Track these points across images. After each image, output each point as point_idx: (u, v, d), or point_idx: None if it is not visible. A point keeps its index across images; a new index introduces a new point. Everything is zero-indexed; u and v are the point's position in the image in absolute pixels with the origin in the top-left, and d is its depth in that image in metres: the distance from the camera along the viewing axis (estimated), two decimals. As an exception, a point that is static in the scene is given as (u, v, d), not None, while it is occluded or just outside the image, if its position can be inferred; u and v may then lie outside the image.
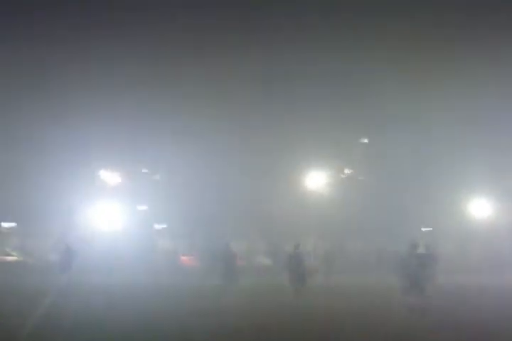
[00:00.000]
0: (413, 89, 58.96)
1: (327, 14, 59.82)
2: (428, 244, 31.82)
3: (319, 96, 61.24)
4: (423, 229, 65.65)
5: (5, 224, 70.22)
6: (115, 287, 36.50)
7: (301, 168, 62.09)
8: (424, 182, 61.35)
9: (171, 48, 60.04)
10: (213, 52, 59.59)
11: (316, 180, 62.51)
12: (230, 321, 20.11)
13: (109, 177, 63.63)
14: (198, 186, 61.95)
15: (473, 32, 57.22)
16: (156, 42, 60.40)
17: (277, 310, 23.70)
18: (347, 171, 65.59)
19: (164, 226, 68.47)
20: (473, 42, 56.91)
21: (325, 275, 42.30)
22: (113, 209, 60.35)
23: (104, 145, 59.13)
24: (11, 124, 57.94)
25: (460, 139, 59.36)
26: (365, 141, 64.31)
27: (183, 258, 65.68)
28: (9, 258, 60.54)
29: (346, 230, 62.42)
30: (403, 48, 57.73)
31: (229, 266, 30.61)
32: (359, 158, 62.35)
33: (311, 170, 62.38)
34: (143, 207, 65.76)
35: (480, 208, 60.03)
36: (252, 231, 64.53)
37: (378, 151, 61.95)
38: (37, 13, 59.65)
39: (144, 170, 66.44)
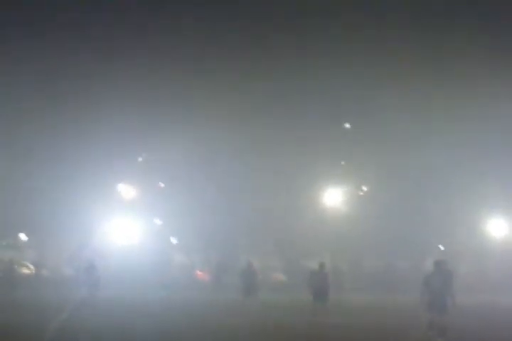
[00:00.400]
0: (432, 100, 58.79)
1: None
2: (447, 262, 31.72)
3: (336, 112, 61.17)
4: (441, 247, 65.35)
5: (22, 237, 70.48)
6: (132, 301, 36.38)
7: (318, 184, 61.98)
8: (442, 200, 61.05)
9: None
10: (230, 55, 59.49)
11: (333, 196, 62.41)
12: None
13: (126, 191, 63.72)
14: (215, 201, 61.87)
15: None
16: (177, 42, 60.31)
17: (301, 327, 23.66)
18: (364, 188, 65.36)
19: (179, 240, 68.45)
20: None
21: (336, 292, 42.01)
22: (129, 223, 60.40)
23: (121, 158, 59.24)
24: (28, 136, 58.09)
25: (479, 158, 59.03)
26: (383, 157, 64.00)
27: (199, 273, 65.75)
28: (25, 270, 60.67)
29: (363, 247, 62.12)
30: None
31: (249, 282, 30.99)
32: (377, 174, 62.08)
33: (328, 185, 62.29)
34: (159, 221, 65.80)
35: (498, 226, 59.66)
36: (267, 247, 64.34)
37: (396, 168, 61.68)
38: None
39: (161, 184, 66.44)
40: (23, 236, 70.86)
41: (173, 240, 68.09)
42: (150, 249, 62.12)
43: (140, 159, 63.54)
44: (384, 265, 64.81)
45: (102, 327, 22.79)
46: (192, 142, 60.11)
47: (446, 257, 60.85)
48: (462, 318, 26.06)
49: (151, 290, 46.30)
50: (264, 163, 61.98)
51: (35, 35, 58.26)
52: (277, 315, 29.04)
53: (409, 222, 61.42)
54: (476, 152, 59.13)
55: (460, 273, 63.40)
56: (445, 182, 61.04)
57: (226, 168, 62.22)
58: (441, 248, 65.36)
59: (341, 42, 59.43)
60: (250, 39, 60.61)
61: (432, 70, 58.45)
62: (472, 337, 21.08)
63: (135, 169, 61.47)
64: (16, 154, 57.37)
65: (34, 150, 57.47)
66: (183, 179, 61.99)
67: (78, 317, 25.36)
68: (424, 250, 63.29)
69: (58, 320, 23.36)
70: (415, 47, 59.47)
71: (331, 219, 61.32)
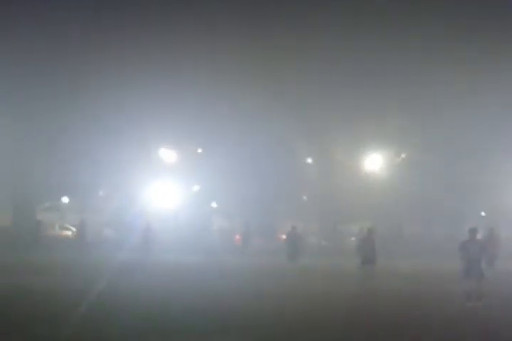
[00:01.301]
0: (467, 71, 58.29)
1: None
2: (490, 229, 31.73)
3: (381, 79, 60.83)
4: (482, 214, 65.20)
5: (64, 199, 71.38)
6: (176, 265, 36.82)
7: (359, 149, 61.96)
8: (482, 166, 60.77)
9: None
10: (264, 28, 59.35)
11: (373, 162, 62.41)
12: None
13: (168, 155, 64.12)
14: (255, 166, 62.08)
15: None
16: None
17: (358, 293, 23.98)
18: (404, 154, 65.16)
19: (219, 204, 68.91)
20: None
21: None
22: (171, 187, 60.90)
23: (162, 123, 59.48)
24: (72, 100, 58.48)
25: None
26: (423, 123, 63.68)
27: (237, 237, 66.19)
28: (66, 232, 61.57)
29: (402, 213, 62.17)
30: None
31: (294, 246, 31.67)
32: (418, 140, 61.84)
33: (369, 151, 62.27)
34: (199, 186, 66.21)
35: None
36: (307, 212, 64.58)
37: (437, 134, 61.42)
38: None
39: (199, 150, 66.74)
40: (65, 199, 71.82)
41: (213, 204, 68.56)
42: (190, 213, 62.65)
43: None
44: (423, 231, 64.87)
45: (148, 290, 23.18)
46: (234, 109, 60.25)
47: (487, 224, 61.08)
48: (501, 285, 26.49)
49: (193, 254, 46.74)
50: (304, 129, 61.98)
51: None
52: (327, 280, 29.36)
53: (449, 189, 61.26)
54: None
55: (501, 239, 63.38)
56: (487, 149, 60.74)
57: (266, 134, 62.32)
58: (483, 214, 65.25)
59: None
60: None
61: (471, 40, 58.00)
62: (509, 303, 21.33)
63: (176, 134, 61.71)
64: (60, 117, 57.76)
65: (78, 114, 57.85)
66: (225, 144, 62.23)
67: (123, 281, 25.75)
68: (463, 217, 63.17)
69: (102, 283, 23.70)
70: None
71: (370, 185, 61.36)
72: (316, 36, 59.67)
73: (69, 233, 60.94)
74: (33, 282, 24.64)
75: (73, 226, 61.71)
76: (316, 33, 59.40)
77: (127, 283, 24.80)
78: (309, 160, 65.77)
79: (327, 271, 35.12)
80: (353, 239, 63.58)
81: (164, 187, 61.56)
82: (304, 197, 67.82)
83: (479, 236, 21.76)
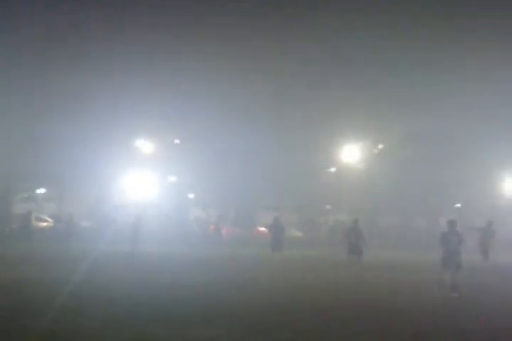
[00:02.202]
0: (451, 66, 58.69)
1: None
2: (488, 222, 31.97)
3: (358, 70, 61.08)
4: (458, 205, 65.70)
5: (40, 191, 71.04)
6: (154, 256, 36.87)
7: (336, 141, 62.17)
8: (457, 158, 61.24)
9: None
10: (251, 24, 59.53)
11: (350, 154, 62.64)
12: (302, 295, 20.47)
13: (145, 146, 64.01)
14: (232, 157, 62.17)
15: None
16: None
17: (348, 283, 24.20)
18: (381, 146, 65.49)
19: (196, 195, 68.93)
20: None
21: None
22: (147, 178, 60.84)
23: (138, 114, 59.40)
24: (49, 90, 58.19)
25: (495, 116, 59.07)
26: (399, 116, 64.01)
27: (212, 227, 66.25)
28: (43, 224, 61.25)
29: (379, 204, 62.54)
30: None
31: (276, 237, 31.90)
32: (394, 133, 62.19)
33: (346, 143, 62.50)
34: (176, 177, 66.20)
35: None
36: (284, 203, 64.80)
37: (413, 127, 61.78)
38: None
39: (176, 141, 66.68)
40: (41, 190, 71.52)
41: (190, 195, 68.58)
42: (168, 204, 62.66)
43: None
44: (399, 223, 65.32)
45: (123, 278, 23.23)
46: (211, 99, 60.26)
47: (462, 215, 61.47)
48: (478, 275, 26.90)
49: (170, 244, 46.80)
50: (282, 120, 62.12)
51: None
52: (314, 271, 29.54)
53: (426, 180, 61.70)
54: (493, 113, 59.19)
55: (475, 231, 63.95)
56: (461, 141, 61.22)
57: (244, 125, 62.38)
58: (458, 205, 65.74)
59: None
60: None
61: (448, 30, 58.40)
62: (485, 292, 21.64)
63: (153, 125, 61.64)
64: (37, 108, 57.51)
65: (55, 103, 57.61)
66: (201, 136, 62.25)
67: (98, 269, 25.81)
68: (439, 209, 63.71)
69: (78, 272, 23.74)
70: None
71: (347, 176, 61.65)
72: (291, 32, 59.93)
73: (44, 224, 60.63)
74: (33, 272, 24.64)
75: (49, 217, 61.51)
76: (292, 29, 59.66)
77: (110, 274, 24.83)
78: (286, 152, 65.90)
79: (313, 262, 35.20)
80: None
81: (141, 178, 61.46)
82: (282, 189, 68.01)
83: (459, 227, 21.87)
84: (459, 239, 20.91)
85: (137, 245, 36.36)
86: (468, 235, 34.80)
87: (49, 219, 60.56)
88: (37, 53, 57.49)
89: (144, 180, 61.57)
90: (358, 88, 59.96)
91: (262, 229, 65.72)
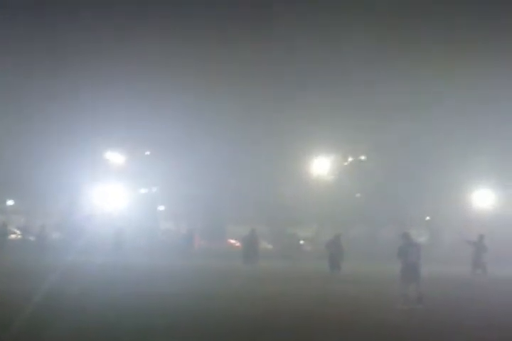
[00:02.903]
0: (420, 78, 59.05)
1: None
2: (480, 236, 32.11)
3: (328, 81, 61.32)
4: (427, 218, 66.01)
5: (9, 202, 70.46)
6: (121, 267, 36.67)
7: (306, 154, 62.31)
8: (427, 170, 61.59)
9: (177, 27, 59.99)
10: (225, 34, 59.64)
11: (320, 167, 62.80)
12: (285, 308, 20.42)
13: (114, 158, 63.77)
14: (202, 170, 62.10)
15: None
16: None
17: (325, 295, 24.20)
18: (351, 158, 65.73)
19: (166, 207, 68.70)
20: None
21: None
22: (117, 189, 60.60)
23: (109, 126, 59.23)
24: (17, 103, 57.92)
25: (464, 128, 59.51)
26: (370, 129, 64.30)
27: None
28: (12, 236, 60.67)
29: (349, 216, 62.63)
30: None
31: (251, 249, 31.88)
32: (364, 145, 62.48)
33: (316, 156, 62.65)
34: (146, 189, 65.96)
35: (483, 198, 60.30)
36: (254, 215, 64.70)
37: (383, 139, 62.06)
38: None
39: (147, 152, 66.47)
40: (10, 202, 70.96)
41: (161, 207, 68.36)
42: (138, 216, 62.38)
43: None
44: (369, 234, 65.50)
45: (92, 291, 23.10)
46: (182, 111, 60.26)
47: (430, 227, 61.61)
48: (441, 286, 27.04)
49: (139, 255, 46.57)
50: (252, 133, 62.20)
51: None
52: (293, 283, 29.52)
53: (395, 192, 61.97)
54: (463, 125, 59.62)
55: (444, 244, 64.35)
56: (431, 153, 61.56)
57: (214, 137, 62.38)
58: (427, 218, 66.04)
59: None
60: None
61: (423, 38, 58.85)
62: (448, 304, 21.74)
63: (123, 136, 61.48)
64: (6, 120, 57.18)
65: (23, 115, 57.33)
66: (171, 147, 62.17)
67: (67, 282, 25.64)
68: (409, 220, 63.91)
69: (46, 285, 23.57)
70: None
71: (318, 188, 61.76)
72: (258, 44, 60.05)
73: (13, 236, 60.08)
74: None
75: (17, 229, 61.02)
76: (258, 41, 59.77)
77: (79, 285, 24.65)
78: (256, 164, 65.89)
79: (286, 274, 35.07)
80: (301, 242, 64.01)
81: (112, 189, 61.18)
82: (253, 201, 67.95)
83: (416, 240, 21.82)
84: (417, 250, 20.87)
85: (119, 256, 36.37)
86: (462, 248, 35.07)
87: (17, 231, 60.06)
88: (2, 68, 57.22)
89: (114, 191, 61.29)
90: (328, 102, 60.17)
91: (232, 241, 65.69)
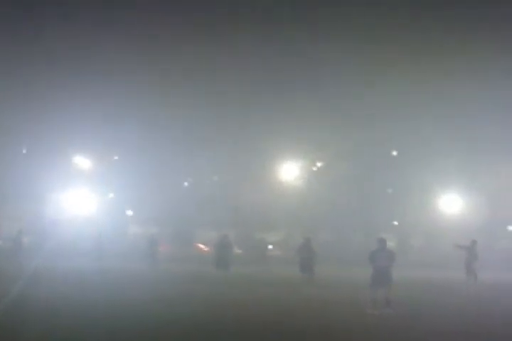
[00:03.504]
0: (387, 85, 59.36)
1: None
2: (472, 241, 32.17)
3: (296, 87, 61.46)
4: (395, 223, 66.31)
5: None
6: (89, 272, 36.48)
7: (274, 159, 62.45)
8: (395, 176, 61.95)
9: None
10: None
11: (288, 172, 62.96)
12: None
13: (82, 162, 63.45)
14: (170, 174, 62.03)
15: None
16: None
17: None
18: (319, 164, 65.96)
19: (134, 212, 68.42)
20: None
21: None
22: (86, 194, 60.30)
23: (77, 131, 58.92)
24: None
25: (432, 134, 59.87)
26: (338, 133, 64.53)
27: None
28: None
29: (317, 221, 62.81)
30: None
31: (223, 254, 31.84)
32: (332, 151, 62.71)
33: (283, 161, 62.81)
34: (114, 194, 65.69)
35: (450, 203, 60.75)
36: (223, 220, 64.64)
37: (351, 145, 62.32)
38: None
39: (115, 157, 66.22)
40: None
41: (129, 212, 68.08)
42: (105, 220, 62.06)
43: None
44: (338, 239, 65.71)
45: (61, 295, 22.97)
46: (150, 116, 60.15)
47: (398, 233, 61.94)
48: (410, 291, 27.14)
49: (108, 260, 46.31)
50: (221, 137, 62.19)
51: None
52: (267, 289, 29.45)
53: (363, 197, 62.26)
54: (430, 128, 59.98)
55: (413, 248, 64.75)
56: (399, 158, 61.95)
57: (182, 142, 62.31)
58: (395, 223, 66.37)
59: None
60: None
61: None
62: (417, 308, 21.87)
63: (92, 141, 61.17)
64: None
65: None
66: (140, 152, 62.00)
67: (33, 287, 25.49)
68: (377, 225, 64.23)
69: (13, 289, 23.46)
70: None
71: (286, 193, 61.89)
72: (223, 51, 60.06)
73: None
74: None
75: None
76: (221, 48, 59.76)
77: (48, 290, 24.51)
78: (224, 169, 65.93)
79: (263, 279, 34.96)
80: (270, 247, 64.13)
81: (80, 194, 60.85)
82: (222, 206, 67.90)
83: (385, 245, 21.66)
84: (389, 256, 20.92)
85: (100, 261, 36.26)
86: (455, 253, 35.22)
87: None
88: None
89: (82, 196, 60.97)
90: (296, 107, 60.31)
91: (201, 245, 65.56)
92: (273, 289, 28.17)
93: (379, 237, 21.90)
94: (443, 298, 25.87)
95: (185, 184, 64.80)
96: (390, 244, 68.10)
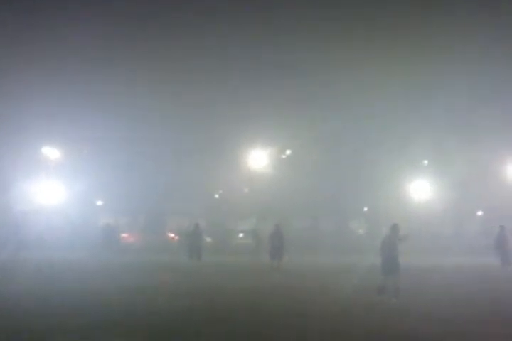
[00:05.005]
0: (363, 71, 59.51)
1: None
2: (501, 227, 32.06)
3: (266, 74, 61.50)
4: (365, 209, 66.63)
5: None
6: (58, 263, 36.29)
7: (245, 147, 62.40)
8: (366, 162, 62.19)
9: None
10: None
11: (259, 160, 62.94)
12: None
13: (51, 153, 62.91)
14: (141, 163, 61.80)
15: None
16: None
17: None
18: (288, 152, 66.02)
19: (105, 202, 68.13)
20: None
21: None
22: (54, 184, 59.85)
23: (46, 121, 58.48)
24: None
25: (404, 120, 60.21)
26: (307, 120, 64.60)
27: (124, 235, 65.65)
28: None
29: (288, 209, 62.94)
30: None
31: (195, 244, 31.96)
32: (302, 138, 62.77)
33: (254, 149, 62.78)
34: (83, 184, 65.28)
35: (420, 190, 61.07)
36: (193, 210, 64.66)
37: (321, 131, 62.42)
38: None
39: (85, 148, 65.79)
40: None
41: (99, 202, 67.76)
42: (74, 211, 61.78)
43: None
44: (310, 226, 65.95)
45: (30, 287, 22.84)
46: (119, 106, 59.89)
47: (369, 218, 62.07)
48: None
49: (75, 251, 46.13)
50: (190, 127, 62.08)
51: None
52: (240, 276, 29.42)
53: (334, 184, 62.46)
54: (399, 116, 60.29)
55: (381, 235, 64.99)
56: (370, 145, 62.16)
57: (151, 132, 62.07)
58: (365, 209, 66.66)
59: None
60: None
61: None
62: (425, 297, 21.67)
63: (60, 131, 60.72)
64: None
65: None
66: (111, 141, 61.70)
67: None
68: (347, 212, 64.54)
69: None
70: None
71: (256, 182, 61.91)
72: (200, 39, 59.99)
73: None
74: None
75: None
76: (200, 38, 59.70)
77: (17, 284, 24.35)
78: (196, 158, 65.82)
79: (234, 267, 34.85)
80: (240, 235, 64.16)
81: (48, 184, 60.38)
82: (192, 195, 67.85)
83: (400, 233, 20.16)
84: (395, 242, 19.99)
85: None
86: (487, 237, 35.23)
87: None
88: None
89: (51, 186, 60.51)
90: (266, 95, 60.35)
91: (171, 234, 65.45)
92: (245, 277, 28.17)
93: (392, 223, 20.49)
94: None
95: (156, 173, 64.50)
96: (360, 230, 68.72)
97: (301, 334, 14.27)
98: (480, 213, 67.35)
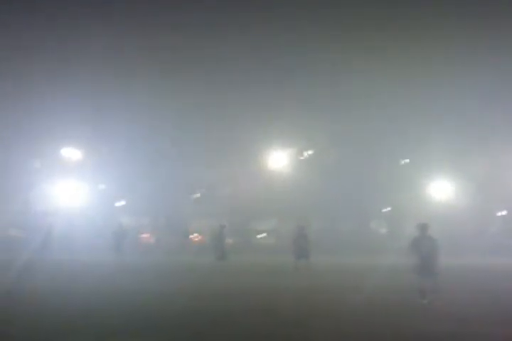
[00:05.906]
0: (374, 71, 59.44)
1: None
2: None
3: (284, 76, 61.50)
4: (383, 210, 66.41)
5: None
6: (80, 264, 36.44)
7: (265, 149, 62.50)
8: (386, 163, 62.13)
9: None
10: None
11: (279, 160, 63.03)
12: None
13: (71, 154, 63.14)
14: (163, 165, 61.96)
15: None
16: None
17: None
18: (307, 152, 66.03)
19: (127, 203, 68.28)
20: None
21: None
22: (76, 186, 60.11)
23: (65, 121, 58.70)
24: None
25: (423, 120, 60.08)
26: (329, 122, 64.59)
27: (143, 235, 65.87)
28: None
29: (308, 209, 62.89)
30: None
31: (220, 245, 32.21)
32: (322, 139, 62.80)
33: (274, 150, 62.87)
34: (104, 185, 65.49)
35: (441, 190, 60.96)
36: (215, 211, 64.70)
37: (340, 132, 62.41)
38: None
39: (106, 148, 65.97)
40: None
41: (121, 203, 67.89)
42: (96, 212, 61.95)
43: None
44: (330, 227, 65.84)
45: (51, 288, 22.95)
46: (140, 106, 60.02)
47: (391, 219, 61.93)
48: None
49: (98, 253, 46.17)
50: (212, 127, 62.17)
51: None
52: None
53: (353, 185, 62.38)
54: (419, 117, 60.19)
55: (405, 235, 64.81)
56: (389, 146, 62.09)
57: (172, 134, 62.24)
58: (385, 210, 66.47)
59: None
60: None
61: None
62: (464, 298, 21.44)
63: (81, 132, 60.94)
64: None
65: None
66: (130, 141, 61.87)
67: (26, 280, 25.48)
68: (368, 213, 64.44)
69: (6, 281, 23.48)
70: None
71: (276, 183, 61.98)
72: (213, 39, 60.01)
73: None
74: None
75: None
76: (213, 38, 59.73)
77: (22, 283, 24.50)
78: (216, 158, 65.89)
79: (263, 269, 34.91)
80: (259, 236, 64.24)
81: (69, 185, 60.63)
82: (213, 197, 67.95)
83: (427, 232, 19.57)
84: (432, 243, 19.51)
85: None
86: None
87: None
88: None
89: (72, 187, 60.75)
90: (287, 96, 60.35)
91: (195, 235, 65.57)
92: (277, 277, 28.37)
93: (420, 223, 19.82)
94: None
95: (176, 173, 64.58)
96: (382, 230, 68.56)
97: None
98: (504, 213, 67.03)
